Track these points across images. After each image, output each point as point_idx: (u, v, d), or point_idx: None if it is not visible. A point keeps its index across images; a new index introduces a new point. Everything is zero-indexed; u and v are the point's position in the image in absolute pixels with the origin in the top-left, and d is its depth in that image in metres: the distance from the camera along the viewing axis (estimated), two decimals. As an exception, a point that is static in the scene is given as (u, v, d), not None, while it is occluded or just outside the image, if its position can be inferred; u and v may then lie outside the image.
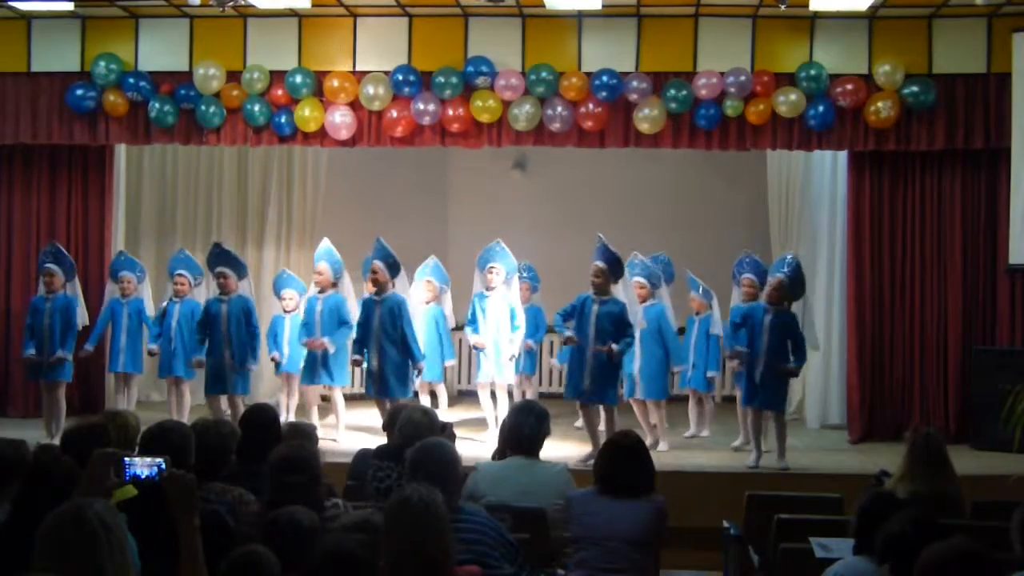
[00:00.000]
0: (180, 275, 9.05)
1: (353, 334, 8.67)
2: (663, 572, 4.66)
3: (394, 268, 8.62)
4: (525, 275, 9.59)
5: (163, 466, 3.16)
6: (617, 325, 7.95)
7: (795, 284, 8.26)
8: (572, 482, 4.87)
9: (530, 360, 9.86)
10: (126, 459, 3.18)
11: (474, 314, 9.03)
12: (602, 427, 8.16)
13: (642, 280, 8.78)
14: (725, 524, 5.74)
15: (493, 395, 9.13)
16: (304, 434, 5.10)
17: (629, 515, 4.36)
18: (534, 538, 4.41)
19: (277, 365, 9.38)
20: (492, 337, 8.93)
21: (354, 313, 8.81)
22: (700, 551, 6.36)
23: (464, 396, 11.33)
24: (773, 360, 8.00)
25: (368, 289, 8.71)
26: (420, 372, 8.75)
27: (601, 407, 8.14)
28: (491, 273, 8.94)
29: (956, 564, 2.87)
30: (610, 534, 4.33)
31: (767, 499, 5.62)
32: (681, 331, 9.30)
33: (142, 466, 3.17)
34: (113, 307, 9.09)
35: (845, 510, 5.30)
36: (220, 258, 8.89)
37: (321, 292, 8.89)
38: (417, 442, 4.87)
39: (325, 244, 9.09)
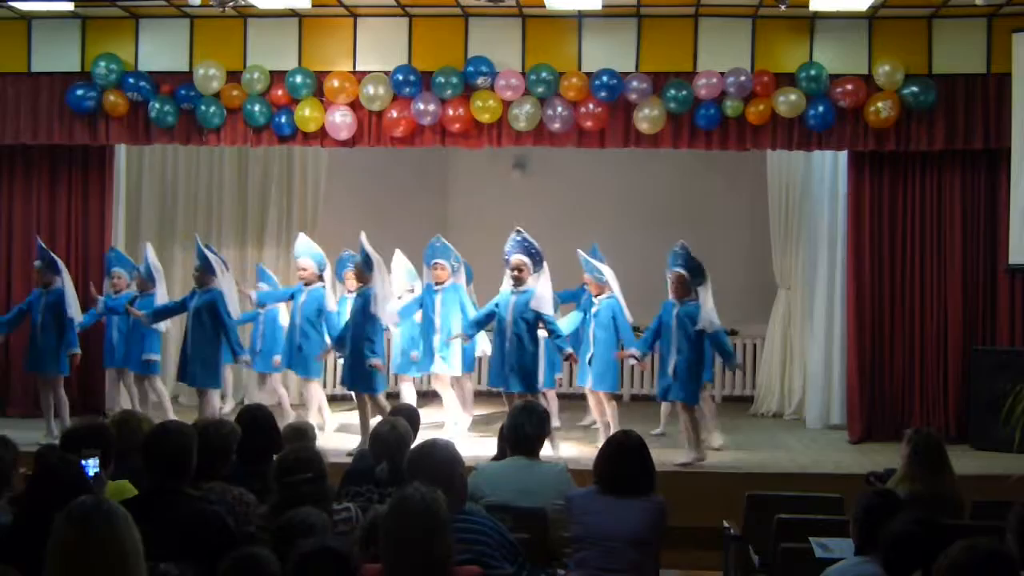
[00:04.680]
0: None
1: None
2: (663, 572, 4.65)
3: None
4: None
5: None
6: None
7: (694, 273, 8.20)
8: (572, 482, 4.87)
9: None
10: None
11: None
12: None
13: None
14: (725, 524, 5.75)
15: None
16: (303, 434, 5.10)
17: (630, 515, 4.34)
18: (534, 538, 4.40)
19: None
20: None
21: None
22: (700, 551, 6.38)
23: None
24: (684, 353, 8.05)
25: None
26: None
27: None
28: (436, 269, 8.90)
29: (981, 565, 2.84)
30: (610, 534, 4.31)
31: (767, 499, 5.62)
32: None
33: None
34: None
35: (845, 510, 5.30)
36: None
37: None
38: (386, 460, 4.80)
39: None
